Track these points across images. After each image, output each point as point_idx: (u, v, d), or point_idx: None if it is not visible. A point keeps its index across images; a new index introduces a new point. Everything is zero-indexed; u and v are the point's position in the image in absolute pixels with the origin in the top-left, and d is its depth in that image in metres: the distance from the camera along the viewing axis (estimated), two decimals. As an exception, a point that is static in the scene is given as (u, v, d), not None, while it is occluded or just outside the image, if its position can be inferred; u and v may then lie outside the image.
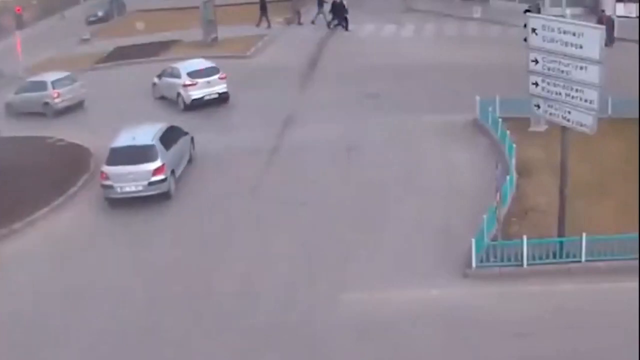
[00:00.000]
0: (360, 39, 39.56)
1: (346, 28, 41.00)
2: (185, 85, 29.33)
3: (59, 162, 25.77)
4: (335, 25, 41.18)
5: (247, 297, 16.99)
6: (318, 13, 42.69)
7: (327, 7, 42.13)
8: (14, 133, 28.77)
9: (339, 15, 41.14)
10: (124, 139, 22.63)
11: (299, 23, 43.27)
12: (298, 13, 43.54)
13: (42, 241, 20.70)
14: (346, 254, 18.36)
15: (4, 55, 42.73)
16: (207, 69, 30.04)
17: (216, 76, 29.72)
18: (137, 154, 21.80)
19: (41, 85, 31.61)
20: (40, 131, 28.85)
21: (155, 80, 31.70)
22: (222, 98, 29.84)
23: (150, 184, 21.61)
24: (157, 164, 21.70)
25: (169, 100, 30.46)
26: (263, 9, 43.04)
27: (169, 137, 23.17)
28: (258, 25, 42.98)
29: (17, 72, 36.68)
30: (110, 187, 21.73)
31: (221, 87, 29.71)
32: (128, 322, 16.39)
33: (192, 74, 29.60)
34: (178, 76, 29.95)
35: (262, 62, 37.04)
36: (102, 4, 53.26)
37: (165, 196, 21.90)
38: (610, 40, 32.34)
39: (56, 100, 31.11)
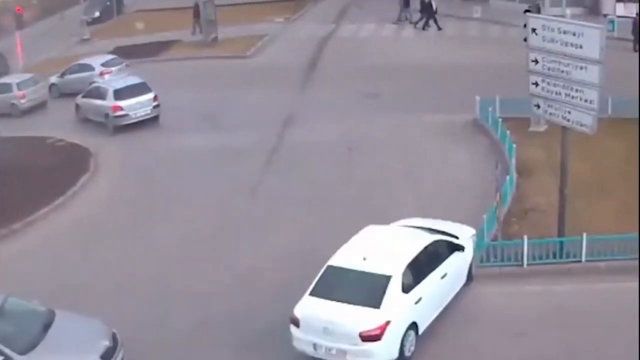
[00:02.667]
0: (360, 39, 39.57)
1: (438, 27, 39.84)
2: (102, 74, 33.61)
3: (59, 162, 25.80)
4: (425, 25, 40.16)
5: (246, 296, 16.99)
6: (407, 13, 41.89)
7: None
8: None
9: (428, 14, 40.17)
10: (117, 84, 29.80)
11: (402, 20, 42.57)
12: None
13: (42, 241, 20.71)
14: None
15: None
16: (113, 59, 35.87)
17: (124, 64, 35.46)
18: (137, 90, 29.11)
19: (7, 87, 33.45)
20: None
21: (54, 80, 34.93)
22: None
23: (154, 107, 29.01)
24: (153, 94, 29.22)
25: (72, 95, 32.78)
26: (196, 16, 43.02)
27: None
28: (194, 33, 42.97)
29: None
30: (126, 115, 28.57)
31: (127, 73, 33.94)
32: (128, 322, 16.35)
33: (105, 64, 34.88)
34: (91, 69, 34.42)
35: (262, 62, 37.08)
36: None
37: (157, 119, 29.17)
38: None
39: (22, 101, 32.97)
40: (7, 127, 29.79)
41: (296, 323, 14.03)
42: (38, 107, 33.38)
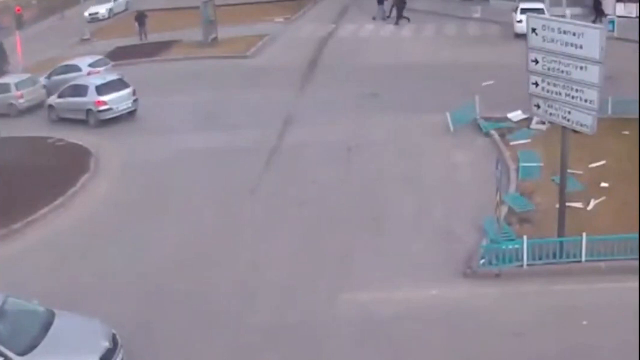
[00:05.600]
0: (360, 39, 39.57)
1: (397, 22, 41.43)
2: (89, 73, 34.00)
3: (59, 162, 25.79)
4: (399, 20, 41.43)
5: (246, 296, 16.99)
6: (380, 10, 42.94)
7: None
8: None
9: (400, 9, 41.43)
10: (97, 80, 30.84)
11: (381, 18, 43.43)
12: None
13: (42, 241, 20.69)
14: (346, 253, 18.35)
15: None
16: (100, 59, 36.44)
17: (110, 64, 36.26)
18: (116, 85, 30.41)
19: (5, 87, 33.42)
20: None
21: (43, 81, 34.63)
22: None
23: (134, 101, 30.41)
24: (132, 88, 30.57)
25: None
26: (140, 24, 43.82)
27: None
28: (141, 39, 43.53)
29: None
30: (110, 109, 29.77)
31: (114, 73, 33.41)
32: (128, 322, 16.36)
33: (92, 65, 35.38)
34: (78, 70, 34.67)
35: (262, 62, 37.08)
36: None
37: (134, 113, 30.42)
38: None
39: (20, 101, 33.01)
40: (6, 127, 29.78)
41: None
42: (36, 107, 33.18)
